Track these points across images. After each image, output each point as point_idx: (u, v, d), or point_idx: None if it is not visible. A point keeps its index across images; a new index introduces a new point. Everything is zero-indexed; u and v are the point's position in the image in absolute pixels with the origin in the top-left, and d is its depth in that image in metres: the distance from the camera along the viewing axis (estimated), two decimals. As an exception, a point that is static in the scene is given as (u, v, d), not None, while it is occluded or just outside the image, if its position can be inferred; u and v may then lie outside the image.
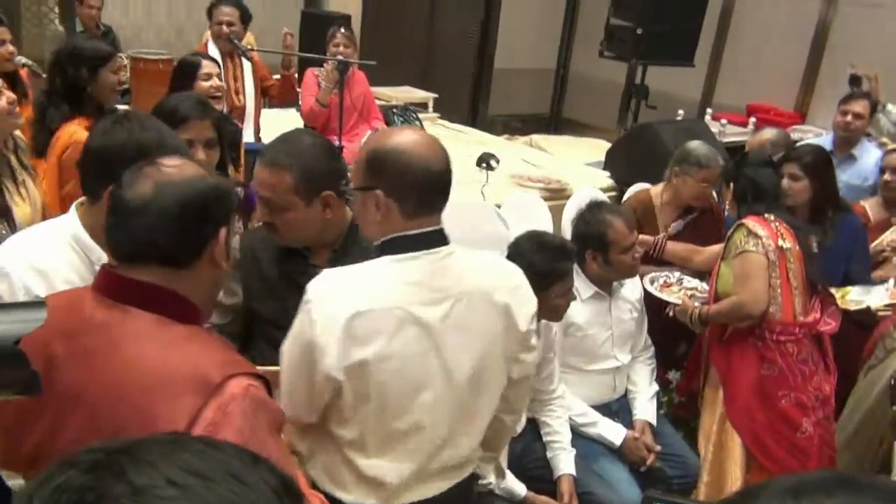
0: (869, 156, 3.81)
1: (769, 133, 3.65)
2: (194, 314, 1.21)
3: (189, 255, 1.20)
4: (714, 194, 3.31)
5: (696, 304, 2.80)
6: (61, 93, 2.65)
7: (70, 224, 1.60)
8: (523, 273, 1.69)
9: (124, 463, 0.59)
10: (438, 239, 1.53)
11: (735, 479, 2.56)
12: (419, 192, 1.49)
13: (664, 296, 2.93)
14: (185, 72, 2.99)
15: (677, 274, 3.12)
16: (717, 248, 2.86)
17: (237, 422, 1.07)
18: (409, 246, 1.49)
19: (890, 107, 3.92)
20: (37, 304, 1.14)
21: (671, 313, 2.85)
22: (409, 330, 1.47)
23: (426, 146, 1.51)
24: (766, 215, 2.61)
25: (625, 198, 3.76)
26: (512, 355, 1.65)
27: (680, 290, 3.00)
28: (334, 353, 1.44)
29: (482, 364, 1.57)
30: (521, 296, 1.62)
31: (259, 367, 1.33)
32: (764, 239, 2.53)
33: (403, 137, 1.52)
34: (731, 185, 2.78)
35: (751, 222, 2.59)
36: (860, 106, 3.78)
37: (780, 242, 2.55)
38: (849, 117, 3.77)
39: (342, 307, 1.45)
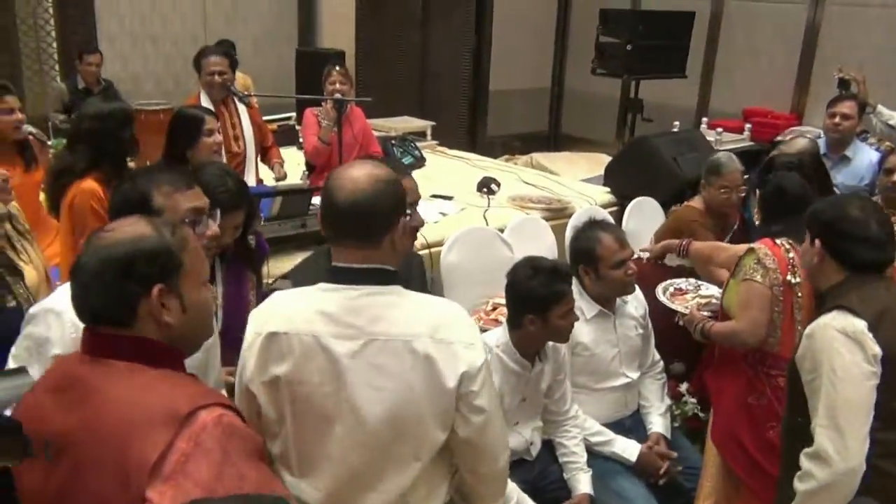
0: (863, 155, 3.84)
1: (801, 143, 3.47)
2: (167, 357, 1.27)
3: (122, 315, 1.23)
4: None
5: (706, 313, 2.81)
6: (94, 154, 2.69)
7: None
8: (472, 328, 1.61)
9: None
10: (362, 277, 1.55)
11: (706, 496, 2.56)
12: (327, 220, 1.60)
13: (673, 305, 2.94)
14: (188, 126, 2.99)
15: (694, 281, 3.12)
16: (742, 247, 2.70)
17: (210, 450, 1.12)
18: (334, 277, 1.58)
19: (880, 108, 3.95)
20: (20, 371, 1.24)
21: (680, 322, 2.86)
22: (318, 358, 1.53)
23: (344, 179, 1.55)
24: (778, 241, 2.50)
25: (671, 210, 3.81)
26: (446, 410, 1.56)
27: (695, 298, 2.99)
28: (252, 368, 1.58)
29: (398, 409, 1.54)
30: (450, 351, 1.54)
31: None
32: (772, 272, 2.45)
33: (344, 169, 1.60)
34: (758, 192, 2.77)
35: (763, 250, 2.49)
36: (847, 107, 3.83)
37: (790, 277, 2.45)
38: (836, 119, 3.82)
39: (264, 327, 1.57)
